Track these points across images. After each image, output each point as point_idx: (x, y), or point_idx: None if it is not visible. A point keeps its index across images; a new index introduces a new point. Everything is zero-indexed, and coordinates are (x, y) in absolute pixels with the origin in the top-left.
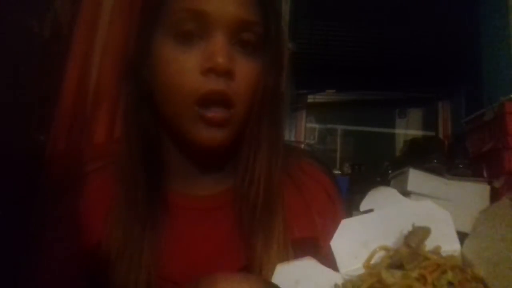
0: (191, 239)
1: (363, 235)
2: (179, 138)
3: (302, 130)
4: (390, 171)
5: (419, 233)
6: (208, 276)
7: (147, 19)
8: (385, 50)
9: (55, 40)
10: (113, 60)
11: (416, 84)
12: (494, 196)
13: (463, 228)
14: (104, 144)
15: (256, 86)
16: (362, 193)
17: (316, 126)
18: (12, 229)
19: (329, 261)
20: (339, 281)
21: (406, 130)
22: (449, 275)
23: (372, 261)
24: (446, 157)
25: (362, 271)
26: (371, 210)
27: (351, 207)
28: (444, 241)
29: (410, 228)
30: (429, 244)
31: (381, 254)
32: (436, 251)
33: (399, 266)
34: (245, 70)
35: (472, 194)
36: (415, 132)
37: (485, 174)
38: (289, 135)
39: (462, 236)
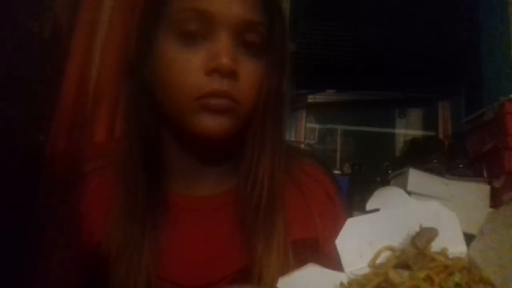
0: (191, 239)
1: (368, 234)
2: (181, 133)
3: (302, 130)
4: (390, 171)
5: (426, 234)
6: None
7: (149, 18)
8: (385, 50)
9: (55, 40)
10: (113, 60)
11: (416, 84)
12: (494, 196)
13: (463, 228)
14: (104, 143)
15: (259, 87)
16: (362, 193)
17: (316, 126)
18: (12, 229)
19: (330, 260)
20: (345, 280)
21: (406, 130)
22: (457, 277)
23: (378, 261)
24: (446, 157)
25: (366, 270)
26: (377, 210)
27: (351, 207)
28: (451, 242)
29: (416, 228)
30: (435, 246)
31: (386, 254)
32: (443, 252)
33: (406, 266)
34: (249, 71)
35: (472, 194)
36: (415, 132)
37: (485, 174)
38: (289, 135)
39: (464, 237)
